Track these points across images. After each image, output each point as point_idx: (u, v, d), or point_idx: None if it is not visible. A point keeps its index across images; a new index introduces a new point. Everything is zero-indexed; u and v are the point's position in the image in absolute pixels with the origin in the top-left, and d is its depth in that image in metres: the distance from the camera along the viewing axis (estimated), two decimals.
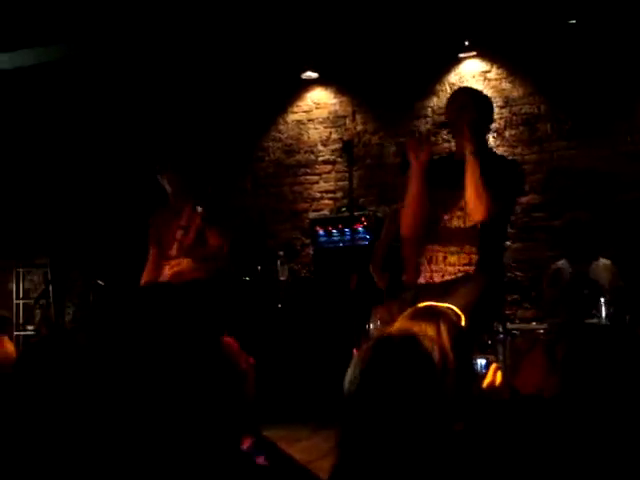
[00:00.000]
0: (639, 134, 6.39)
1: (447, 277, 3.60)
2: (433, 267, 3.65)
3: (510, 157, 4.17)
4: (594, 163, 6.53)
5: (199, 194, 4.83)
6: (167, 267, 4.69)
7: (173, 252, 4.68)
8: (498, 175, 3.57)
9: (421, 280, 3.70)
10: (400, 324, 1.90)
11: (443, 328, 1.85)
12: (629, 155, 6.41)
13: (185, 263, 4.60)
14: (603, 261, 5.54)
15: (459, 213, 3.63)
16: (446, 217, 3.66)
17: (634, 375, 1.77)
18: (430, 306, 2.04)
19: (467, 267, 3.57)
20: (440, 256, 3.63)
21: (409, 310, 2.01)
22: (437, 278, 3.63)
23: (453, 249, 3.61)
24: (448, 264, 3.61)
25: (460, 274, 3.58)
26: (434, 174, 3.68)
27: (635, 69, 6.39)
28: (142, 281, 4.80)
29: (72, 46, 6.56)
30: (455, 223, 3.64)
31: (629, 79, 6.41)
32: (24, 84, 7.15)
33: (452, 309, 2.02)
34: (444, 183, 3.67)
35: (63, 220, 7.69)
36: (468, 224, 3.61)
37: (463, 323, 2.02)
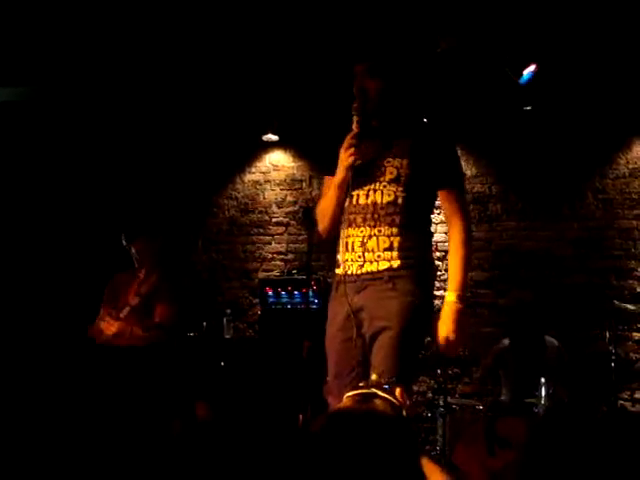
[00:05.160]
0: (585, 222, 6.61)
1: (367, 267, 3.19)
2: (349, 255, 3.23)
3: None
4: (541, 245, 6.72)
5: (166, 262, 5.06)
6: (107, 324, 4.80)
7: (123, 314, 4.89)
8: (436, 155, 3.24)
9: (339, 271, 3.30)
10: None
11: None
12: (574, 241, 6.62)
13: (129, 331, 4.84)
14: (548, 339, 5.70)
15: (375, 186, 3.23)
16: (360, 193, 3.25)
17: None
18: (371, 393, 2.06)
19: (388, 252, 3.18)
20: (357, 241, 3.22)
21: (351, 394, 2.03)
22: (355, 268, 3.22)
23: (368, 231, 3.21)
24: (366, 250, 3.20)
25: (381, 262, 3.18)
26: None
27: (587, 158, 6.65)
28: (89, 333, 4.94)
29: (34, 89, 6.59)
30: (371, 199, 3.22)
31: (580, 167, 6.66)
32: None
33: (392, 400, 2.03)
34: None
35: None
36: (386, 199, 3.21)
37: (405, 412, 2.05)
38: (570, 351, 5.77)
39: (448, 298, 3.19)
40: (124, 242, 5.09)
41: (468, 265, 3.26)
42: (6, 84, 6.42)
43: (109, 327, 4.84)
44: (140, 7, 5.23)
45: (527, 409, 5.00)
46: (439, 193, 3.30)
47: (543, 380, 5.00)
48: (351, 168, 3.17)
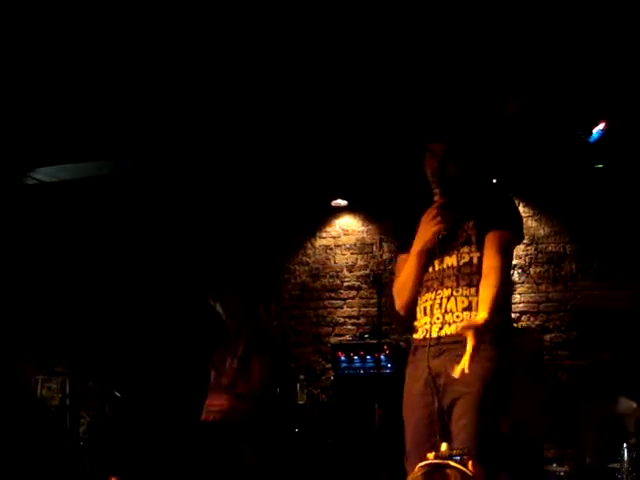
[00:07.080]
0: None
1: (446, 329, 3.14)
2: (427, 319, 3.22)
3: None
4: (618, 304, 6.56)
5: (254, 317, 5.15)
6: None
7: (224, 381, 4.95)
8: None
9: (417, 335, 3.27)
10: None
11: None
12: None
13: (225, 403, 4.86)
14: (626, 401, 5.54)
15: (449, 251, 3.24)
16: (436, 261, 3.27)
17: None
18: (440, 465, 2.03)
19: (467, 312, 3.12)
20: (435, 304, 3.21)
21: (423, 464, 1.99)
22: (434, 331, 3.18)
23: (446, 293, 3.20)
24: (444, 311, 3.18)
25: (460, 323, 3.07)
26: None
27: None
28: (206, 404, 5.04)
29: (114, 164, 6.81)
30: (446, 263, 3.24)
31: None
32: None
33: (464, 471, 1.99)
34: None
35: (83, 329, 7.74)
36: (462, 261, 3.21)
37: None
38: None
39: (479, 316, 2.99)
40: (211, 301, 5.11)
41: (497, 302, 3.02)
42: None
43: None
44: (209, 76, 5.38)
45: (610, 475, 4.83)
46: (486, 238, 3.18)
47: (625, 445, 4.85)
48: (438, 235, 3.21)
